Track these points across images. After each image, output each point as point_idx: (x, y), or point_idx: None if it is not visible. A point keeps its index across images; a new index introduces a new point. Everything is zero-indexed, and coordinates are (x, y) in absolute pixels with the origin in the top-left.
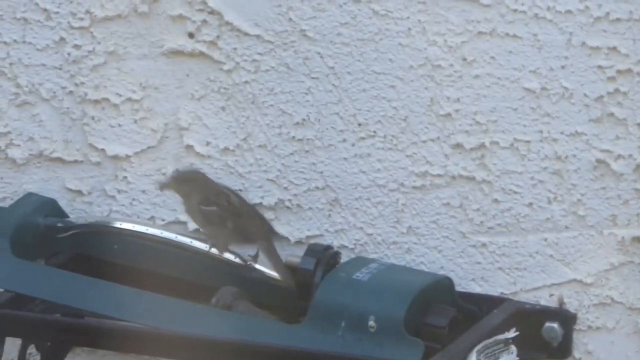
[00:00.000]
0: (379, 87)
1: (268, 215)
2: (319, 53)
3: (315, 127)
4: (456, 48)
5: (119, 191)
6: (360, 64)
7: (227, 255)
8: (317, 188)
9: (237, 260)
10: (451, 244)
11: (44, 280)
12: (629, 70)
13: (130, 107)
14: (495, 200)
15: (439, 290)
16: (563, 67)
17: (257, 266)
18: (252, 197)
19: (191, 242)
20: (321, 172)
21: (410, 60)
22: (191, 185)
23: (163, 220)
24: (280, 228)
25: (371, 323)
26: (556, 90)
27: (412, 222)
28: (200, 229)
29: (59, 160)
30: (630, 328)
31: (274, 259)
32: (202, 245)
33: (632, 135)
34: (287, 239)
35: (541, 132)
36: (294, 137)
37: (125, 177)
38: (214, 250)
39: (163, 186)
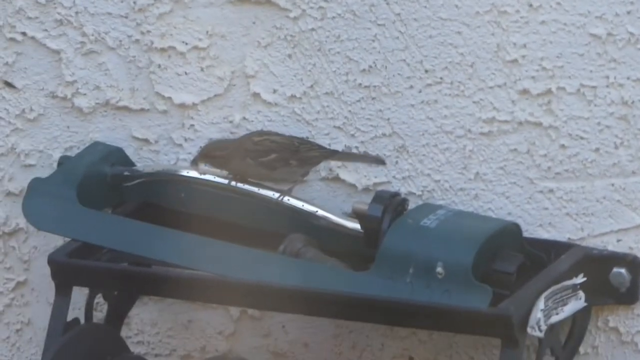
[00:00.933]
0: (446, 33)
1: (334, 162)
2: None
3: (382, 74)
4: None
5: (186, 139)
6: (426, 11)
7: (294, 202)
8: (384, 135)
9: (303, 206)
10: (518, 190)
11: (111, 229)
12: None
13: (197, 55)
14: (562, 146)
15: (507, 236)
16: (629, 13)
17: (324, 213)
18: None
19: (258, 190)
20: (388, 119)
21: (476, 6)
22: (224, 151)
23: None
24: (347, 175)
25: (439, 269)
26: (622, 36)
27: (480, 169)
28: (263, 183)
29: (126, 108)
30: None
31: (355, 157)
32: (269, 193)
33: None
34: (354, 186)
35: (607, 77)
36: (360, 84)
37: (192, 126)
38: (286, 199)
39: (194, 162)
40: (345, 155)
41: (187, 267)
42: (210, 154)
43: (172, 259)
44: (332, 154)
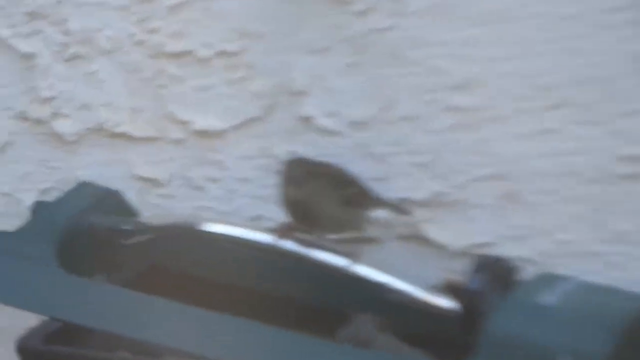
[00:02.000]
0: (571, 36)
1: (420, 214)
2: None
3: (482, 91)
4: None
5: (209, 180)
6: (544, 4)
7: (361, 270)
8: (485, 177)
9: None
10: None
11: (105, 304)
12: None
13: (224, 63)
14: None
15: None
16: None
17: (403, 285)
18: (396, 190)
19: (314, 252)
20: (492, 155)
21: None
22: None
23: (273, 220)
24: (435, 232)
25: None
26: None
27: (621, 225)
28: (334, 236)
29: (125, 136)
30: None
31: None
32: (327, 258)
33: None
34: (444, 248)
35: None
36: (452, 105)
37: (218, 161)
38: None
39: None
40: (379, 202)
41: (209, 357)
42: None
43: (192, 347)
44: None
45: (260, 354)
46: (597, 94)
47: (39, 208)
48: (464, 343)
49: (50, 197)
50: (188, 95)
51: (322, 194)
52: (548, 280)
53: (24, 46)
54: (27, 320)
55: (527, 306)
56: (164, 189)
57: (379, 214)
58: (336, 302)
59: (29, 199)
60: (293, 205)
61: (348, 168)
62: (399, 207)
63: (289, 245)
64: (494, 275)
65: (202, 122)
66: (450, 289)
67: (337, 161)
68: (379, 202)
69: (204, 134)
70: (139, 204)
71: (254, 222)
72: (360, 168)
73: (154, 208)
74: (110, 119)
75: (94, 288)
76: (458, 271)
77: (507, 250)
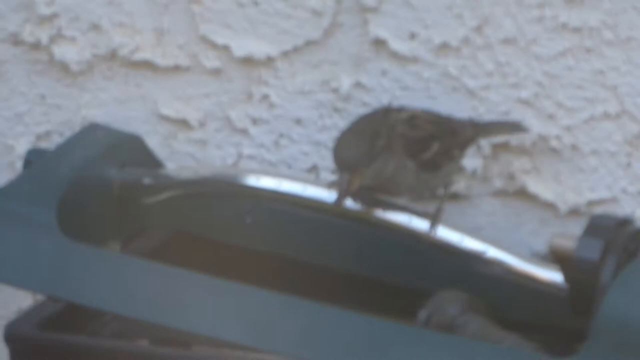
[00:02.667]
0: None
1: (521, 163)
2: None
3: (605, 6)
4: None
5: (254, 120)
6: None
7: (446, 234)
8: (607, 115)
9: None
10: None
11: (119, 280)
12: None
13: None
14: None
15: None
16: None
17: (499, 254)
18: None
19: (385, 213)
20: (614, 88)
21: None
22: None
23: (333, 172)
24: (539, 186)
25: None
26: None
27: None
28: (412, 196)
29: (147, 65)
30: None
31: (491, 129)
32: (403, 220)
33: None
34: (552, 206)
35: None
36: (565, 24)
37: (265, 96)
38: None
39: (345, 194)
40: (483, 130)
41: (253, 347)
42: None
43: (229, 334)
44: (475, 133)
45: (319, 343)
46: None
47: (36, 158)
48: (574, 327)
49: (50, 144)
50: (227, 12)
51: (395, 171)
52: None
53: None
54: (18, 301)
55: None
56: (196, 132)
57: (471, 162)
58: (414, 277)
59: (22, 146)
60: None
61: (430, 107)
62: (514, 124)
63: (353, 204)
64: (614, 241)
65: (245, 47)
66: (558, 259)
67: (417, 97)
68: (479, 132)
69: (247, 62)
70: (164, 152)
71: (309, 174)
72: (447, 106)
73: (182, 157)
74: (127, 43)
75: (105, 259)
76: (569, 236)
77: (630, 208)
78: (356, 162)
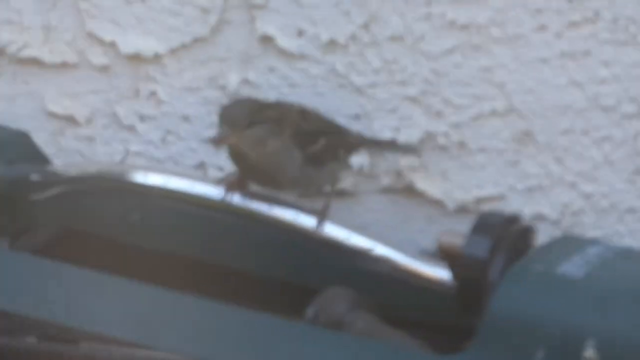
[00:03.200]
0: None
1: (408, 160)
2: None
3: (492, 4)
4: None
5: (141, 117)
6: None
7: (333, 231)
8: (494, 113)
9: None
10: None
11: (6, 276)
12: None
13: None
14: None
15: None
16: None
17: (386, 251)
18: (380, 130)
19: (272, 209)
20: (501, 85)
21: None
22: (262, 126)
23: (221, 169)
24: (427, 184)
25: (589, 353)
26: None
27: None
28: (297, 190)
29: (34, 62)
30: None
31: (382, 145)
32: (290, 216)
33: None
34: (440, 203)
35: None
36: (453, 21)
37: (153, 93)
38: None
39: (221, 140)
40: (372, 143)
41: (141, 344)
42: (259, 117)
43: (117, 330)
44: (363, 141)
45: (205, 339)
46: (635, 5)
47: None
48: (462, 324)
49: None
50: (114, 8)
51: (280, 151)
52: (570, 244)
53: None
54: None
55: (543, 278)
56: (84, 129)
57: (358, 159)
58: (302, 274)
59: None
60: (240, 160)
61: (317, 104)
62: (402, 145)
63: (240, 200)
64: (502, 238)
65: (132, 43)
66: (446, 256)
67: (304, 94)
68: (367, 143)
69: (134, 58)
70: (52, 149)
71: (196, 171)
72: (334, 103)
73: (70, 154)
74: (15, 40)
75: None
76: (457, 233)
77: (518, 205)
78: (238, 119)
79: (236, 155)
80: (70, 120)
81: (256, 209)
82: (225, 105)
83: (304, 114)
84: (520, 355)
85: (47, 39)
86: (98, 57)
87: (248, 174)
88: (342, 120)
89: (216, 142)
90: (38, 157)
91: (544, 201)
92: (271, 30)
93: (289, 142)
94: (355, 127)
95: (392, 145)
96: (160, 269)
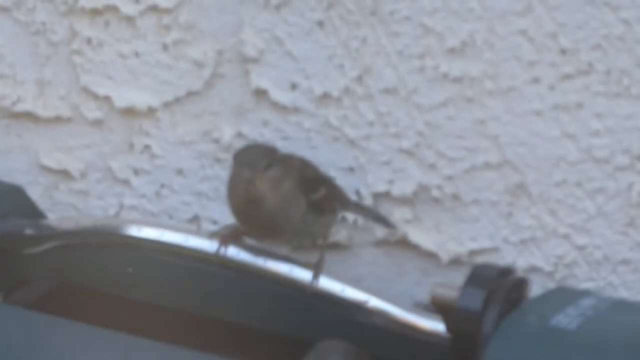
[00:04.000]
0: None
1: (402, 212)
2: None
3: (485, 56)
4: None
5: (135, 171)
6: None
7: (328, 285)
8: (487, 165)
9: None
10: None
11: (2, 331)
12: None
13: (155, 21)
14: None
15: None
16: None
17: (380, 304)
18: (373, 182)
19: (267, 263)
20: (495, 138)
21: None
22: (279, 168)
23: (215, 222)
24: (420, 236)
25: None
26: None
27: None
28: (294, 240)
29: (29, 116)
30: None
31: (364, 211)
32: (285, 270)
33: None
34: (434, 255)
35: None
36: (446, 74)
37: (147, 147)
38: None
39: (247, 185)
40: (356, 208)
41: None
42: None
43: None
44: (348, 205)
45: None
46: (627, 58)
47: None
48: None
49: None
50: (108, 63)
51: (292, 195)
52: (564, 296)
53: None
54: None
55: (536, 330)
56: (78, 183)
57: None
58: (296, 326)
59: None
60: (244, 206)
61: (311, 157)
62: (381, 217)
63: (235, 254)
64: (495, 290)
65: (126, 97)
66: (440, 309)
67: (298, 147)
68: (356, 208)
69: (128, 113)
70: (46, 203)
71: (190, 225)
72: (328, 155)
73: (64, 208)
74: (9, 94)
75: None
76: (450, 285)
77: (512, 257)
78: (256, 161)
79: (251, 198)
80: (65, 174)
81: (250, 262)
82: (240, 149)
83: (305, 162)
84: None
85: (41, 93)
86: (92, 111)
87: (251, 221)
88: (336, 173)
89: (243, 186)
90: (32, 211)
91: (538, 253)
92: (265, 84)
93: (296, 188)
94: (349, 180)
95: (372, 215)
96: (155, 322)
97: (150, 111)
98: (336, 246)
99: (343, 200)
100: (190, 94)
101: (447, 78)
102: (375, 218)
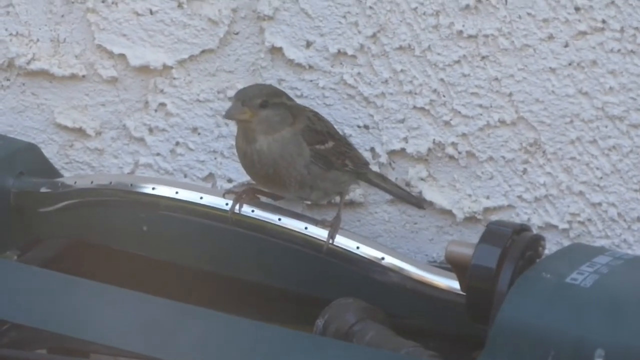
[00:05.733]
0: None
1: (417, 170)
2: None
3: (500, 13)
4: None
5: (150, 129)
6: None
7: (342, 242)
8: (502, 123)
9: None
10: None
11: (17, 289)
12: None
13: None
14: None
15: None
16: None
17: (395, 261)
18: (388, 140)
19: (282, 220)
20: (509, 95)
21: None
22: (278, 111)
23: (230, 181)
24: (436, 194)
25: None
26: None
27: None
28: (303, 192)
29: (44, 74)
30: None
31: (384, 185)
32: (300, 227)
33: None
34: (449, 213)
35: None
36: (461, 32)
37: (162, 105)
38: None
39: (232, 115)
40: (379, 179)
41: (151, 356)
42: (275, 101)
43: (124, 343)
44: (362, 167)
45: (214, 351)
46: None
47: None
48: (472, 334)
49: None
50: (123, 21)
51: (289, 140)
52: (580, 254)
53: None
54: None
55: (551, 287)
56: (93, 141)
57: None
58: (311, 284)
59: None
60: (244, 148)
61: (326, 115)
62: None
63: (249, 212)
64: (511, 249)
65: (142, 56)
66: (455, 266)
67: (313, 105)
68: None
69: (143, 71)
70: (61, 161)
71: (205, 183)
72: (342, 113)
73: (79, 166)
74: (24, 53)
75: (2, 268)
76: (465, 243)
77: (527, 215)
78: (253, 97)
79: (244, 136)
80: (80, 132)
81: (265, 220)
82: (246, 86)
83: (318, 116)
84: None
85: (57, 51)
86: (107, 69)
87: (250, 165)
88: (350, 131)
89: (228, 116)
90: (47, 170)
91: (552, 211)
92: (279, 42)
93: (299, 135)
94: (364, 138)
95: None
96: (169, 280)
97: (165, 69)
98: (351, 204)
99: (356, 161)
100: (205, 52)
101: (461, 36)
102: (401, 196)
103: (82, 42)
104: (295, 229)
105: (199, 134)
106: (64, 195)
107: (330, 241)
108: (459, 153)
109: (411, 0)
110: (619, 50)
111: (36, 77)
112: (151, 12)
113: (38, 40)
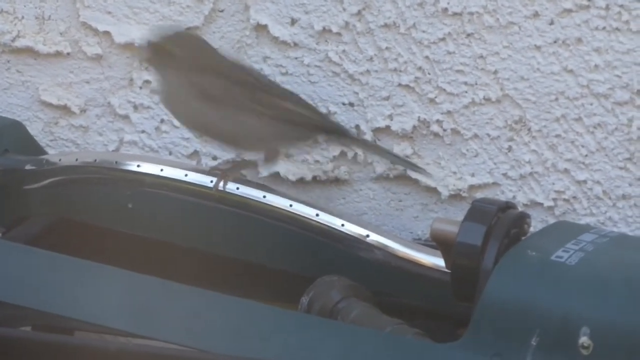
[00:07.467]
0: None
1: (402, 147)
2: None
3: None
4: None
5: (135, 107)
6: None
7: (326, 218)
8: (487, 100)
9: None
10: None
11: (1, 267)
12: None
13: None
14: None
15: None
16: None
17: (380, 238)
18: (373, 117)
19: (267, 198)
20: (494, 73)
21: None
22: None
23: (215, 158)
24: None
25: (584, 340)
26: None
27: None
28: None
29: (29, 52)
30: None
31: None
32: (285, 204)
33: None
34: (434, 190)
35: None
36: (446, 9)
37: (146, 82)
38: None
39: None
40: (359, 143)
41: (137, 334)
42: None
43: (109, 320)
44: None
45: (199, 328)
46: None
47: None
48: (457, 312)
49: None
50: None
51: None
52: (565, 232)
53: None
54: None
55: (537, 264)
56: (78, 118)
57: (352, 148)
58: (296, 262)
59: None
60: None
61: (311, 92)
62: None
63: (234, 189)
64: (496, 226)
65: (126, 33)
66: (440, 244)
67: (298, 82)
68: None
69: (128, 48)
70: (46, 138)
71: (190, 160)
72: (327, 91)
73: (64, 143)
74: (9, 30)
75: None
76: (450, 220)
77: (512, 193)
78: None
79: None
80: (64, 109)
81: (250, 197)
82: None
83: (225, 60)
84: (514, 342)
85: (41, 29)
86: (92, 46)
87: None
88: (335, 108)
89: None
90: (32, 147)
91: (537, 188)
92: (264, 19)
93: (183, 73)
94: (349, 115)
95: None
96: (155, 258)
97: None
98: (336, 181)
99: (275, 99)
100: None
101: (446, 13)
102: (390, 156)
103: (67, 20)
104: (280, 206)
105: None
106: (49, 173)
107: (314, 216)
108: (444, 130)
109: None
110: (604, 28)
111: (21, 54)
112: None
113: (23, 17)
